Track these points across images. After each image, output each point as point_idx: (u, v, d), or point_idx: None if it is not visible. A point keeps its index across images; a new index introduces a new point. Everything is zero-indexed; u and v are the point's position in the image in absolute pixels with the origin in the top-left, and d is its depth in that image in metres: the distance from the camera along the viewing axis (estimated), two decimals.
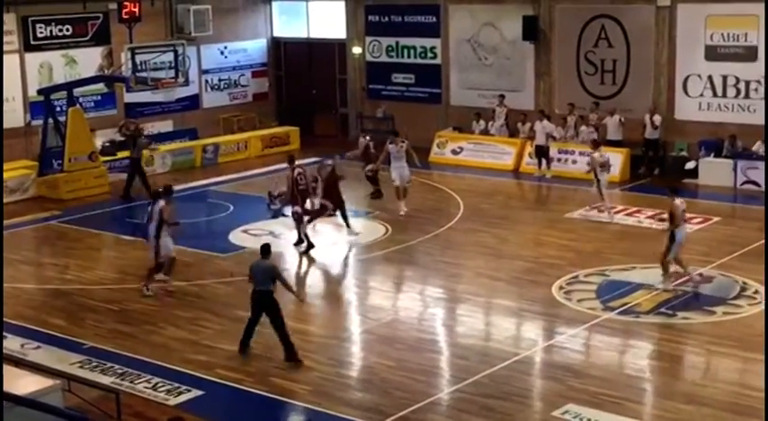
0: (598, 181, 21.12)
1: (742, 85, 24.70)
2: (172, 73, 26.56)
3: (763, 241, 19.21)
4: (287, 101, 32.92)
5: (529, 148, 26.20)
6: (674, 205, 16.50)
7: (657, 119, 25.08)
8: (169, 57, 26.61)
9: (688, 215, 20.95)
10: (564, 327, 15.23)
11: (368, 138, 23.87)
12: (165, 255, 17.02)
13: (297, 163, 19.91)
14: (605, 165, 21.25)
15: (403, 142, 22.19)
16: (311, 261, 19.10)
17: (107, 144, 27.15)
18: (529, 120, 26.59)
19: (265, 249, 14.42)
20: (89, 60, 27.84)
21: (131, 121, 28.20)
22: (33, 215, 22.74)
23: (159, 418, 12.03)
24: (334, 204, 20.25)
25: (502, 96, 27.80)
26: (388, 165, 22.20)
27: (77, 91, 26.20)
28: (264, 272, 14.09)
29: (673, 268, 16.69)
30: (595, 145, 22.07)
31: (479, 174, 25.71)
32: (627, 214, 21.57)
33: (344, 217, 20.48)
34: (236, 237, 20.62)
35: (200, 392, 13.10)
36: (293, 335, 15.23)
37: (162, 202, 16.94)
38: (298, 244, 19.48)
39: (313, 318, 16.05)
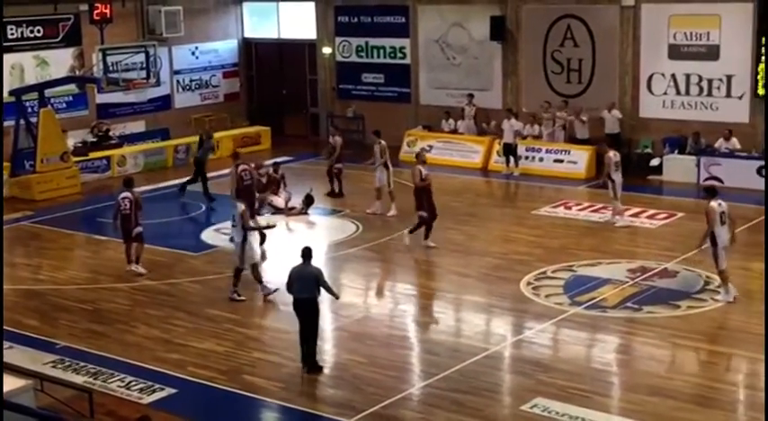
0: (612, 181, 20.42)
1: (705, 84, 24.87)
2: (143, 74, 26.50)
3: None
4: (258, 101, 32.82)
5: (497, 147, 26.28)
6: (710, 207, 15.74)
7: (616, 113, 25.19)
8: (140, 57, 26.53)
9: (653, 211, 21.24)
10: (532, 323, 15.29)
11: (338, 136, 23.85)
12: (249, 259, 16.48)
13: (243, 160, 20.19)
14: (618, 165, 20.56)
15: (380, 142, 22.21)
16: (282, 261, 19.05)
17: (79, 144, 26.98)
18: (495, 118, 26.70)
19: (306, 253, 13.58)
20: (60, 61, 27.61)
21: (103, 122, 28.18)
22: (5, 216, 22.48)
23: (132, 417, 11.91)
24: (429, 213, 19.13)
25: (471, 95, 27.86)
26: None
27: (49, 92, 25.99)
28: (309, 279, 13.40)
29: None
30: (608, 145, 21.92)
31: (449, 172, 25.72)
32: (592, 211, 21.67)
33: (429, 228, 19.20)
34: (208, 236, 20.56)
35: (173, 390, 13.03)
36: (265, 332, 15.26)
37: (242, 207, 16.60)
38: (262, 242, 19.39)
39: (285, 316, 15.96)
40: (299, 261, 13.69)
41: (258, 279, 16.48)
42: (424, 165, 19.36)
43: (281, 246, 19.23)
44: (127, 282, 17.61)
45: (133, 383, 13.22)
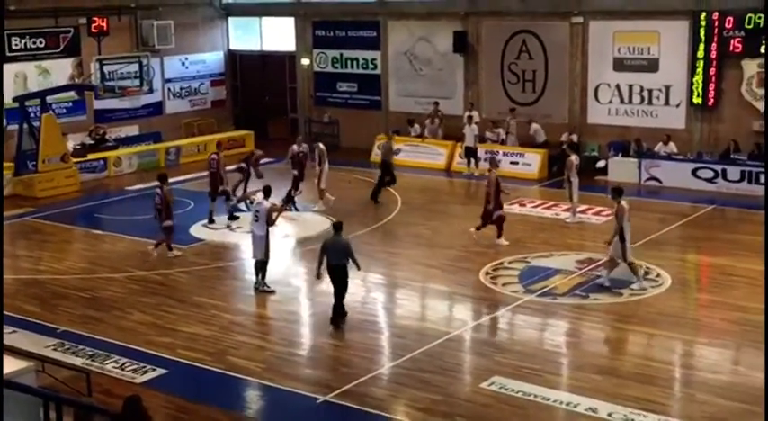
0: (570, 183, 20.40)
1: (645, 93, 25.05)
2: (137, 82, 26.29)
3: (665, 230, 19.58)
4: (242, 107, 32.68)
5: (459, 150, 26.32)
6: (621, 206, 15.90)
7: (536, 126, 25.50)
8: (135, 67, 26.33)
9: (599, 208, 21.36)
10: (490, 309, 15.34)
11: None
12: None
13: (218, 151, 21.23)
14: (577, 168, 20.52)
15: (319, 145, 22.20)
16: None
17: (78, 146, 26.77)
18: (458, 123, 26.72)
19: (338, 227, 14.61)
20: (61, 70, 27.40)
21: (100, 126, 28.00)
22: (9, 212, 22.28)
23: (126, 395, 11.84)
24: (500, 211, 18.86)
25: (436, 103, 27.89)
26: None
27: (50, 98, 25.79)
28: (340, 249, 14.34)
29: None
30: (571, 149, 22.01)
31: (415, 173, 25.75)
32: (545, 208, 21.76)
33: (500, 227, 18.85)
34: (197, 230, 20.44)
35: (163, 371, 12.97)
36: (248, 317, 15.23)
37: (267, 203, 16.23)
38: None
39: (266, 303, 15.95)
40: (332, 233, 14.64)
41: (264, 274, 16.27)
42: (497, 169, 19.33)
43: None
44: (122, 272, 17.50)
45: (127, 364, 13.15)
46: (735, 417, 11.28)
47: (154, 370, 12.99)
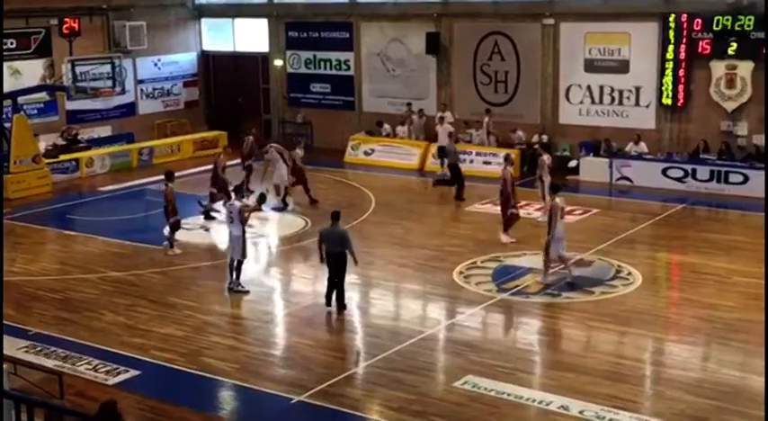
0: (542, 182, 20.44)
1: (616, 94, 25.20)
2: (109, 83, 26.17)
3: (636, 229, 19.71)
4: (216, 108, 32.54)
5: (432, 150, 26.36)
6: (555, 203, 16.19)
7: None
8: (107, 68, 26.22)
9: (571, 207, 21.41)
10: (464, 308, 15.35)
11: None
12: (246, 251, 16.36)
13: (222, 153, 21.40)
14: (549, 168, 20.62)
15: (271, 146, 22.24)
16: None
17: (50, 147, 26.52)
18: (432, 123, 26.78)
19: (336, 216, 15.03)
20: (32, 71, 27.14)
21: (72, 127, 27.79)
22: None
23: (100, 397, 11.73)
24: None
25: (409, 104, 27.91)
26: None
27: (22, 99, 25.51)
28: (337, 237, 14.84)
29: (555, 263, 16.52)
30: (544, 149, 22.07)
31: (389, 173, 25.76)
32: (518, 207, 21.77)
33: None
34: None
35: (136, 372, 12.87)
36: (222, 318, 15.15)
37: (238, 203, 16.24)
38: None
39: (240, 303, 15.88)
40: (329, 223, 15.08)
41: (239, 274, 16.21)
42: (512, 166, 19.40)
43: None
44: (94, 273, 17.36)
45: (100, 366, 13.04)
46: (705, 414, 11.36)
47: (127, 371, 12.88)
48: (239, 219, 15.98)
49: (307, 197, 21.98)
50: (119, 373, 12.81)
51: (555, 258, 16.25)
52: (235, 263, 16.16)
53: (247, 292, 16.07)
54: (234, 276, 16.18)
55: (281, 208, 21.68)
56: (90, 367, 13.02)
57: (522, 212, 21.15)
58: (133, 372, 12.85)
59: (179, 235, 19.60)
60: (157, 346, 13.75)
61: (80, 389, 12.19)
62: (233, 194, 18.04)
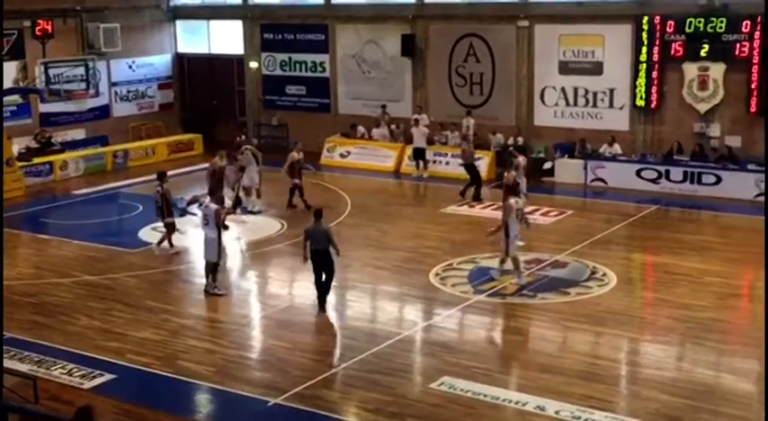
0: (518, 184, 20.17)
1: (590, 96, 25.35)
2: (83, 85, 25.98)
3: (611, 230, 19.84)
4: (191, 110, 32.41)
5: (408, 152, 26.41)
6: (508, 204, 16.42)
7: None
8: (81, 70, 26.02)
9: (546, 209, 21.58)
10: (440, 309, 15.39)
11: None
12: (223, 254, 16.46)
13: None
14: (525, 169, 20.67)
15: (247, 148, 22.25)
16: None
17: (23, 150, 26.33)
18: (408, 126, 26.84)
19: (318, 214, 15.25)
20: (4, 74, 26.79)
21: (46, 130, 27.59)
22: None
23: (75, 401, 11.68)
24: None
25: (384, 106, 27.94)
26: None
27: None
28: (322, 235, 15.06)
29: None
30: (519, 151, 22.10)
31: (365, 175, 25.78)
32: (494, 209, 21.87)
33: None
34: (145, 234, 20.19)
35: (112, 376, 12.80)
36: (199, 321, 15.10)
37: (214, 206, 16.22)
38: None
39: (217, 306, 15.84)
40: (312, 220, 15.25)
41: (215, 276, 16.17)
42: (516, 171, 19.52)
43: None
44: (69, 277, 17.25)
45: (75, 370, 12.95)
46: (679, 413, 11.46)
47: (102, 375, 12.81)
48: (215, 222, 15.95)
49: (301, 201, 21.60)
50: (94, 377, 12.73)
51: (515, 256, 16.42)
52: (210, 265, 16.12)
53: (223, 295, 16.02)
54: (210, 279, 16.13)
55: (250, 211, 21.61)
56: (65, 371, 12.93)
57: (498, 214, 21.23)
58: (109, 376, 12.78)
59: (153, 237, 19.55)
60: (133, 350, 13.68)
61: (55, 394, 12.11)
62: (207, 198, 18.00)
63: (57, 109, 27.85)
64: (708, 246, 18.71)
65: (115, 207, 23.54)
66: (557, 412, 11.45)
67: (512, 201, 16.49)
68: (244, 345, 14.09)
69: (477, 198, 22.66)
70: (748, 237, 19.39)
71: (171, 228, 18.56)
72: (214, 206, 16.23)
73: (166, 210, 18.46)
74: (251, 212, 21.59)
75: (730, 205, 21.78)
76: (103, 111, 29.80)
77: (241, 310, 15.78)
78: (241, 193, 21.66)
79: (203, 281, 16.33)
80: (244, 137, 24.69)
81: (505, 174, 19.38)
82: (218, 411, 12.10)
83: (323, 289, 15.26)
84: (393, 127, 27.75)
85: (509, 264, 16.54)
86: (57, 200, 24.27)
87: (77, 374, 12.83)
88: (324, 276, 15.22)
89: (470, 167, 23.26)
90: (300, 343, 14.01)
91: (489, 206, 22.08)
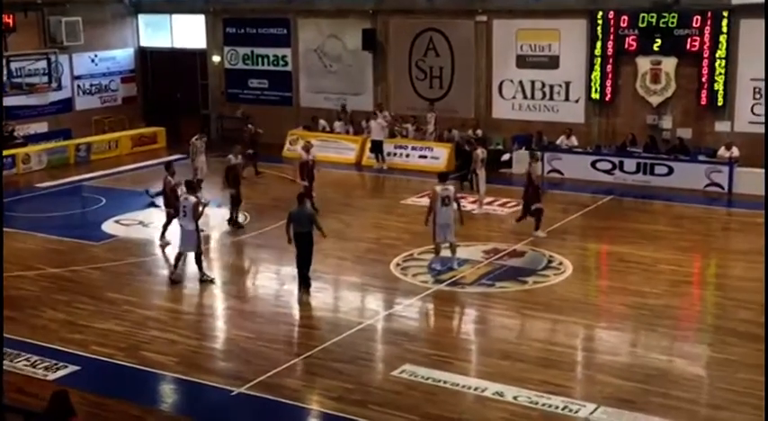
0: (476, 175, 20.66)
1: (547, 89, 25.52)
2: (45, 79, 25.66)
3: (567, 220, 20.01)
4: (153, 104, 32.11)
5: (369, 144, 26.40)
6: (434, 190, 16.60)
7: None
8: (43, 64, 25.73)
9: (505, 200, 21.71)
10: (401, 299, 15.42)
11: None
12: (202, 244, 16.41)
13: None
14: (484, 161, 20.81)
15: (203, 138, 22.24)
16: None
17: None
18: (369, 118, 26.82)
19: (301, 198, 15.68)
20: None
21: (8, 123, 27.18)
22: None
23: (40, 393, 11.55)
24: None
25: (344, 105, 27.92)
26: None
27: None
28: (306, 217, 15.42)
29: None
30: (477, 143, 22.19)
31: (326, 168, 25.64)
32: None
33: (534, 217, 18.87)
34: (109, 227, 20.02)
35: (76, 367, 12.68)
36: (162, 312, 15.01)
37: (193, 198, 16.13)
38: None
39: (180, 298, 15.75)
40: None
41: (200, 266, 16.23)
42: (537, 162, 19.42)
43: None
44: (33, 270, 17.03)
45: (38, 362, 12.81)
46: (632, 397, 11.60)
47: (66, 367, 12.68)
48: (192, 215, 15.92)
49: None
50: (58, 369, 12.61)
51: (442, 241, 16.57)
52: (189, 257, 16.23)
53: (213, 281, 16.15)
54: (198, 269, 16.23)
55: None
56: (29, 363, 12.78)
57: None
58: (73, 368, 12.66)
59: (116, 229, 19.40)
60: (97, 342, 13.56)
61: (20, 386, 11.94)
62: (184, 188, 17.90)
63: (19, 102, 27.44)
64: (660, 235, 18.94)
65: (78, 200, 23.27)
66: (515, 397, 11.55)
67: (438, 187, 16.54)
68: (207, 336, 14.03)
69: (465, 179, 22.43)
70: (699, 226, 19.73)
71: (168, 219, 18.33)
72: (193, 199, 16.20)
73: (172, 200, 18.05)
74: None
75: (681, 195, 22.08)
76: (66, 105, 29.43)
77: (204, 301, 15.70)
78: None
79: (166, 272, 16.23)
80: (251, 126, 24.71)
81: (528, 166, 19.09)
82: (183, 401, 12.05)
83: (304, 268, 15.49)
84: (349, 127, 27.68)
85: (466, 253, 16.60)
86: (20, 193, 23.90)
87: (41, 366, 12.69)
88: (305, 258, 15.54)
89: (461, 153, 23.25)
90: (264, 332, 13.97)
91: (492, 202, 21.78)
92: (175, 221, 17.06)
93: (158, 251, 18.20)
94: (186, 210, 16.03)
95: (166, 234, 18.36)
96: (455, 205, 16.72)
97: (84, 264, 17.39)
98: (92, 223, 20.49)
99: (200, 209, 16.19)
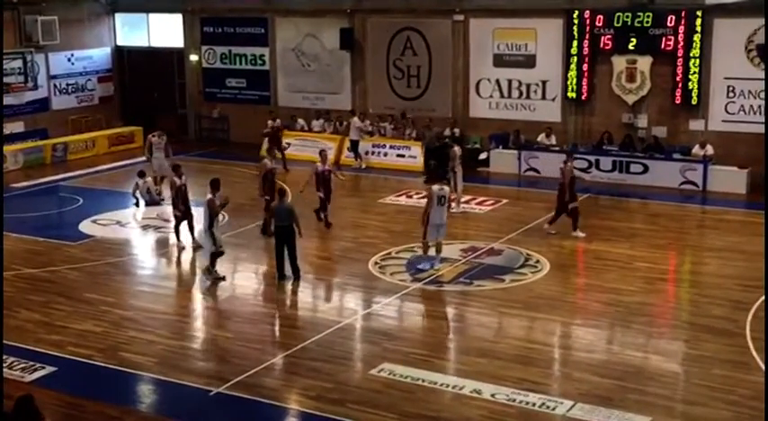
0: (454, 173, 20.59)
1: (524, 88, 25.59)
2: (21, 78, 25.41)
3: (544, 218, 20.07)
4: (131, 103, 31.91)
5: (347, 143, 26.37)
6: (431, 190, 16.67)
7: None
8: (18, 63, 25.48)
9: (482, 198, 21.75)
10: (379, 297, 15.42)
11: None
12: (219, 241, 16.29)
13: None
14: (461, 160, 20.78)
15: (162, 136, 22.25)
16: (155, 247, 18.67)
17: None
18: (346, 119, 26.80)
19: (283, 192, 16.44)
20: None
21: None
22: None
23: (14, 395, 11.43)
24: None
25: (328, 112, 27.83)
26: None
27: None
28: (287, 211, 15.89)
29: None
30: (454, 141, 22.21)
31: (305, 167, 25.60)
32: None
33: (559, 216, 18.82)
34: (86, 226, 19.88)
35: (53, 368, 12.58)
36: (139, 313, 14.91)
37: (209, 196, 16.05)
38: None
39: (159, 299, 15.66)
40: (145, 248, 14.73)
41: (213, 263, 16.18)
42: (573, 161, 19.45)
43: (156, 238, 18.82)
44: (9, 271, 16.85)
45: (15, 363, 12.69)
46: (608, 393, 11.66)
47: (43, 368, 12.58)
48: (207, 213, 15.91)
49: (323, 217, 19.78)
50: (35, 370, 12.50)
51: (432, 241, 16.62)
52: (204, 252, 16.39)
53: (223, 278, 16.12)
54: (210, 265, 16.20)
55: (156, 201, 21.35)
56: (5, 365, 12.64)
57: None
58: (50, 369, 12.56)
59: (93, 229, 19.26)
60: (74, 342, 13.46)
61: None
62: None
63: None
64: (636, 233, 19.06)
65: (55, 200, 23.09)
66: (493, 395, 11.58)
67: (435, 187, 16.58)
68: (185, 336, 13.97)
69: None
70: (674, 224, 19.86)
71: (177, 220, 18.27)
72: (208, 195, 16.13)
73: (180, 201, 18.01)
74: (155, 202, 21.31)
75: (656, 193, 22.23)
76: (42, 105, 29.17)
77: (182, 301, 15.63)
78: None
79: (144, 272, 16.16)
80: (278, 120, 25.07)
81: (564, 165, 18.99)
82: (161, 401, 11.97)
83: (292, 263, 15.96)
84: (337, 124, 27.61)
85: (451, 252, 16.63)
86: None
87: (18, 367, 12.57)
88: (287, 251, 15.93)
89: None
90: (242, 332, 13.93)
91: (470, 200, 21.76)
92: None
93: (135, 251, 18.05)
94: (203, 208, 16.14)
95: (181, 237, 18.21)
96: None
97: (61, 265, 17.26)
98: (69, 223, 20.34)
99: (216, 208, 16.04)
